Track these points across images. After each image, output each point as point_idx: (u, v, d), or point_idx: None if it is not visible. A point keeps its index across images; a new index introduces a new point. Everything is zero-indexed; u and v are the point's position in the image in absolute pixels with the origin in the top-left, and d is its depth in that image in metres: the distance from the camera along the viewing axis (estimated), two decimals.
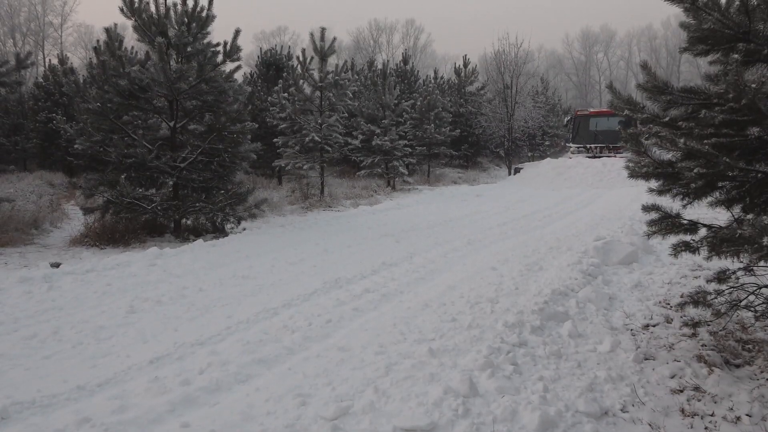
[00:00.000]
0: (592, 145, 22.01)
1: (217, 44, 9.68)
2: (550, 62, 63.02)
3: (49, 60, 27.81)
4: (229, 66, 9.85)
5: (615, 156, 20.67)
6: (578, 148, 22.35)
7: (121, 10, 9.26)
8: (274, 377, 3.64)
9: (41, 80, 21.43)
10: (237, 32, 9.62)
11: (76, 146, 9.56)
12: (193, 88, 9.33)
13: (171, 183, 9.48)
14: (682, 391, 3.39)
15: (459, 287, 5.82)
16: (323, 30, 14.74)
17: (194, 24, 9.47)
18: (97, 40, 10.25)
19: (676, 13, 60.93)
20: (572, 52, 67.30)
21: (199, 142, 9.59)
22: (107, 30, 9.63)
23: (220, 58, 9.65)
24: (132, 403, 3.27)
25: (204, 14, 9.51)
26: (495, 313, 4.83)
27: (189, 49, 9.49)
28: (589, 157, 21.35)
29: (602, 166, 19.78)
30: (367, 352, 4.01)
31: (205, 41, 9.68)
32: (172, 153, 9.43)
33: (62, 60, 22.19)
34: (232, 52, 9.64)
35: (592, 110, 23.14)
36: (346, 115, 18.24)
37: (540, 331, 4.39)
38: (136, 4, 9.23)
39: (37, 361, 3.98)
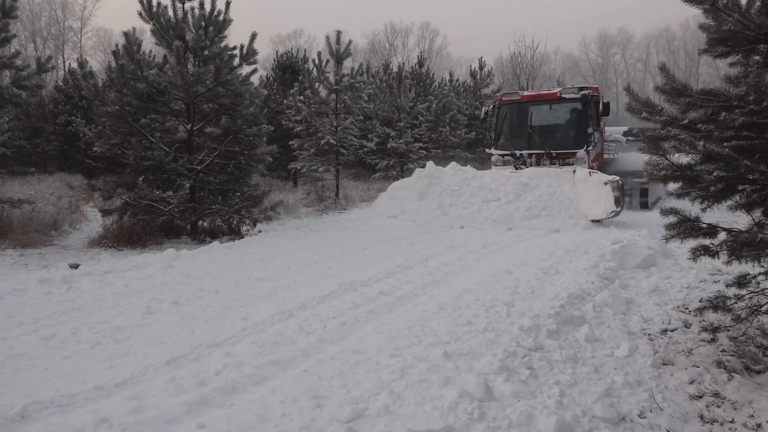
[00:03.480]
0: (526, 152, 13.07)
1: (234, 48, 9.75)
2: (566, 64, 62.64)
3: (69, 64, 28.23)
4: (246, 69, 9.93)
5: (557, 166, 12.47)
6: (503, 156, 13.44)
7: (140, 14, 9.37)
8: (290, 379, 3.65)
9: (61, 84, 21.79)
10: (253, 36, 9.69)
11: (94, 149, 9.68)
12: (209, 91, 9.41)
13: (188, 185, 9.57)
14: (701, 397, 3.35)
15: (474, 290, 5.79)
16: (339, 33, 14.81)
17: (211, 28, 9.55)
18: (116, 44, 10.38)
19: (695, 14, 60.36)
20: (589, 54, 66.87)
21: (216, 144, 9.67)
22: (126, 34, 9.76)
23: (236, 61, 9.72)
24: (149, 404, 3.29)
25: (221, 18, 9.60)
26: (511, 317, 4.80)
27: (206, 52, 9.57)
28: (519, 169, 12.80)
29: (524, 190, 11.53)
30: (382, 355, 4.00)
31: (222, 45, 9.76)
32: (189, 155, 9.52)
33: (81, 64, 22.53)
34: (249, 55, 9.70)
35: (526, 94, 14.19)
36: (362, 117, 18.31)
37: (556, 335, 4.36)
38: (155, 9, 9.34)
39: (56, 361, 4.03)
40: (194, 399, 3.34)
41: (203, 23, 9.51)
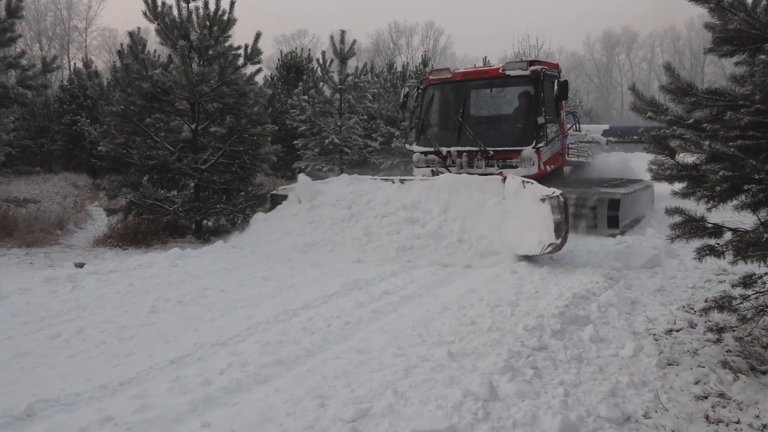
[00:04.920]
0: (455, 150, 9.77)
1: (238, 47, 9.77)
2: (570, 64, 62.50)
3: (74, 63, 28.33)
4: (250, 69, 9.94)
5: (497, 168, 9.34)
6: (425, 155, 10.21)
7: (145, 14, 9.40)
8: (294, 378, 3.66)
9: (66, 83, 21.86)
10: (258, 35, 9.70)
11: (99, 148, 9.72)
12: (214, 91, 9.43)
13: (192, 185, 9.58)
14: (706, 398, 3.34)
15: (479, 290, 5.78)
16: (343, 33, 14.81)
17: (216, 27, 9.57)
18: (121, 44, 10.42)
19: (700, 13, 60.02)
20: (593, 54, 66.78)
21: (220, 144, 9.68)
22: (131, 33, 9.78)
23: (241, 61, 9.74)
24: (153, 403, 3.30)
25: (225, 18, 9.61)
26: (515, 317, 4.79)
27: (210, 52, 9.59)
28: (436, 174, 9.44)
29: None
30: (386, 355, 4.00)
31: (227, 44, 9.77)
32: (193, 155, 9.53)
33: (87, 63, 22.61)
34: (253, 55, 9.72)
35: (458, 71, 10.66)
36: (366, 117, 18.27)
37: (561, 335, 4.35)
38: (159, 8, 9.36)
39: (61, 359, 4.05)
40: (199, 398, 3.35)
41: (208, 23, 9.52)
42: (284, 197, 8.95)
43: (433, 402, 3.24)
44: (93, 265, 6.78)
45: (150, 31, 9.82)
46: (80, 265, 6.84)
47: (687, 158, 3.80)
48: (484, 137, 9.62)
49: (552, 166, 9.92)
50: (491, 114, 10.70)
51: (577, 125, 12.75)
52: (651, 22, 74.53)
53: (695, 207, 3.85)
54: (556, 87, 9.38)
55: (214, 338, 4.42)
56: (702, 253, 3.86)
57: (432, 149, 10.03)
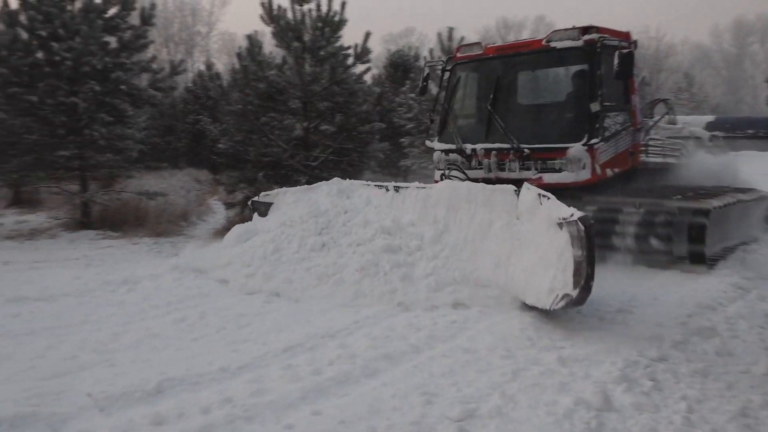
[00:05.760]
0: (481, 147, 7.45)
1: (348, 47, 10.03)
2: (695, 56, 58.28)
3: (197, 66, 30.32)
4: (360, 68, 10.18)
5: (534, 172, 7.13)
6: (447, 154, 7.98)
7: (262, 17, 9.88)
8: (400, 374, 3.69)
9: (191, 85, 23.41)
10: (367, 35, 9.90)
11: (219, 146, 10.35)
12: (325, 90, 9.74)
13: (304, 181, 9.93)
14: None
15: (591, 294, 5.52)
16: (451, 30, 14.72)
17: (327, 28, 9.88)
18: (239, 47, 11.01)
19: None
20: (722, 45, 61.64)
21: (330, 142, 9.98)
22: (248, 37, 10.31)
23: (351, 60, 9.99)
24: (268, 388, 3.46)
25: (336, 19, 9.89)
26: (631, 324, 4.54)
27: (322, 52, 9.91)
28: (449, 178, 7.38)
29: None
30: (494, 356, 3.93)
31: (337, 44, 10.06)
32: (305, 152, 9.90)
33: (209, 66, 24.12)
34: (363, 54, 9.92)
35: (491, 46, 8.17)
36: None
37: (682, 346, 4.06)
38: (275, 12, 9.80)
39: (186, 342, 4.35)
40: (309, 386, 3.47)
41: (320, 24, 9.85)
42: (268, 205, 7.26)
43: (542, 408, 3.15)
44: None
45: (266, 33, 10.31)
46: None
47: None
48: (520, 131, 7.35)
49: (615, 170, 7.40)
50: (532, 100, 8.36)
51: (671, 116, 10.34)
52: None
53: None
54: (616, 60, 6.66)
55: (323, 330, 4.55)
56: None
57: (455, 147, 7.80)
